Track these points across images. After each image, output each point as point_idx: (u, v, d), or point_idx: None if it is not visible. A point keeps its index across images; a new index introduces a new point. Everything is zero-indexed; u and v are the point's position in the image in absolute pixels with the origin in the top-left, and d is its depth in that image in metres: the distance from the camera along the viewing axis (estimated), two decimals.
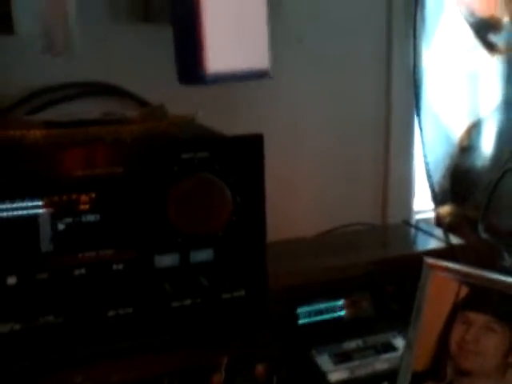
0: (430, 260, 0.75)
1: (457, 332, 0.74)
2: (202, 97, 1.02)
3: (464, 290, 0.74)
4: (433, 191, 1.29)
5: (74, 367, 0.75)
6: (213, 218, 0.72)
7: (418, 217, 1.33)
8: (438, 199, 1.30)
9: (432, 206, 1.31)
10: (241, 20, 0.89)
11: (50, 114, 0.95)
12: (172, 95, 0.93)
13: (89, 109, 0.98)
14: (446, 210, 1.29)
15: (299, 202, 1.22)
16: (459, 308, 0.74)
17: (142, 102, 1.06)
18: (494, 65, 1.21)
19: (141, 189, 0.70)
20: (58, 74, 0.99)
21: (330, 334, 0.91)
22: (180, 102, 0.87)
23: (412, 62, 1.22)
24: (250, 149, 0.73)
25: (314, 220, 1.21)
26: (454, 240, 1.06)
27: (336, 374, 0.82)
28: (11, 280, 0.68)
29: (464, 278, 0.73)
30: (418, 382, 0.75)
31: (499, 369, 0.72)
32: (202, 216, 0.71)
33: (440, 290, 0.75)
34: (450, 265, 0.75)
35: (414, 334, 0.76)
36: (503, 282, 0.72)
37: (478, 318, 0.73)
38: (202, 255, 0.74)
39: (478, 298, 0.73)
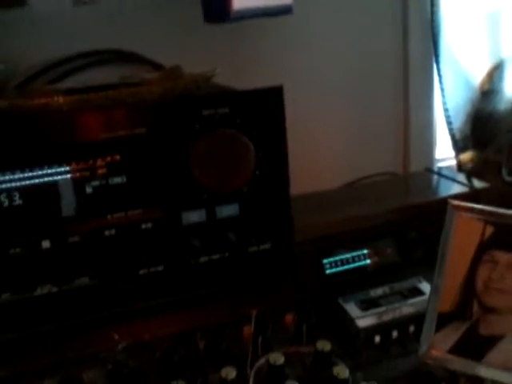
0: (454, 202, 0.75)
1: (483, 271, 0.75)
2: (218, 54, 1.02)
3: (489, 230, 0.74)
4: (453, 138, 1.28)
5: (110, 326, 0.79)
6: (237, 173, 0.73)
7: (439, 165, 1.32)
8: (459, 146, 1.29)
9: (453, 153, 1.30)
10: None
11: (68, 83, 0.96)
12: (187, 57, 0.94)
13: (106, 76, 0.99)
14: (467, 156, 1.29)
15: (321, 154, 1.22)
16: (485, 248, 0.75)
17: (157, 66, 1.07)
18: None
19: (164, 148, 0.72)
20: (72, 44, 1.00)
21: (356, 282, 0.92)
22: (196, 63, 0.87)
23: (429, 7, 1.19)
24: (270, 101, 0.74)
25: (337, 172, 1.21)
26: (478, 184, 1.05)
27: (364, 319, 0.84)
28: (45, 244, 0.70)
29: (489, 218, 0.74)
30: (444, 323, 0.77)
31: None
32: (226, 171, 0.73)
33: (465, 231, 0.75)
34: (475, 205, 0.75)
35: (439, 276, 0.77)
36: None
37: (504, 257, 0.74)
38: (228, 210, 0.76)
39: (504, 236, 0.74)
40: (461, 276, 0.76)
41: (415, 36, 1.23)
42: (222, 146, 0.72)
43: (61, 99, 0.68)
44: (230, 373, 0.73)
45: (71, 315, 0.74)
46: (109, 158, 0.71)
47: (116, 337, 0.79)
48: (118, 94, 0.70)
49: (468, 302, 0.75)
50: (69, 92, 0.75)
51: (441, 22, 1.21)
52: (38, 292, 0.71)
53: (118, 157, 0.71)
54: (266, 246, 0.79)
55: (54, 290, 0.72)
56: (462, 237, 0.76)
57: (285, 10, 0.92)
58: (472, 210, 0.75)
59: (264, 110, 0.74)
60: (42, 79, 0.99)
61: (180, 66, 0.89)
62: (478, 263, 0.75)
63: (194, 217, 0.74)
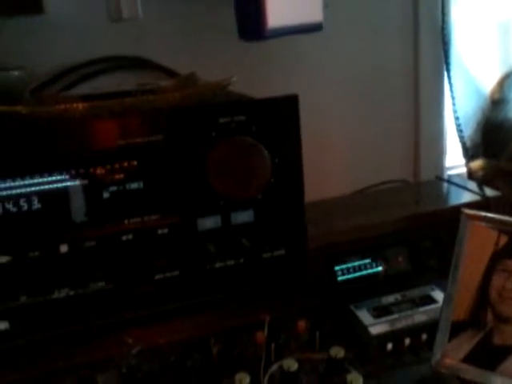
0: (468, 211, 0.76)
1: (497, 280, 0.75)
2: (232, 63, 1.03)
3: (503, 239, 0.75)
4: (464, 146, 1.29)
5: (125, 330, 0.80)
6: (252, 180, 0.74)
7: (450, 173, 1.33)
8: (470, 154, 1.29)
9: (463, 161, 1.30)
10: None
11: (83, 90, 0.96)
12: (204, 65, 0.95)
13: (119, 82, 1.00)
14: (477, 164, 1.29)
15: (332, 162, 1.23)
16: (499, 257, 0.75)
17: (171, 73, 1.08)
18: None
19: (180, 155, 0.72)
20: (86, 50, 1.01)
21: (368, 289, 0.93)
22: (212, 71, 0.88)
23: (440, 15, 1.20)
24: (286, 110, 0.75)
25: (347, 180, 1.22)
26: (489, 192, 1.05)
27: (377, 327, 0.84)
28: (63, 248, 0.71)
29: (503, 227, 0.74)
30: (457, 331, 0.77)
31: None
32: (242, 178, 0.73)
33: (479, 240, 0.76)
34: (489, 214, 0.75)
35: (453, 284, 0.77)
36: None
37: None
38: (243, 217, 0.76)
39: None
40: (474, 285, 0.76)
41: (426, 45, 1.24)
42: (238, 153, 0.73)
43: (80, 106, 0.69)
44: (243, 378, 0.74)
45: (87, 319, 0.75)
46: (126, 164, 0.71)
47: (130, 341, 0.80)
48: (135, 101, 0.71)
49: (482, 311, 0.76)
50: (85, 98, 0.76)
51: (451, 30, 1.22)
52: (55, 295, 0.72)
53: (135, 163, 0.72)
54: (280, 252, 0.79)
55: (71, 293, 0.72)
56: (476, 246, 0.76)
57: (316, 28, 0.96)
58: (486, 219, 0.75)
59: (279, 118, 0.75)
60: (56, 85, 1.00)
61: (195, 73, 0.90)
62: (492, 272, 0.75)
63: (209, 223, 0.75)
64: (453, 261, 0.77)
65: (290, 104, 0.75)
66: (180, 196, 0.74)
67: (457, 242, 0.77)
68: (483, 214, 0.76)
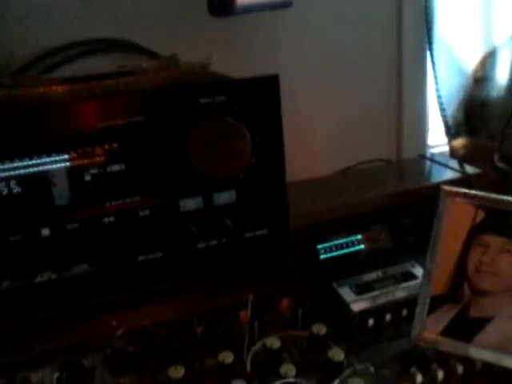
0: (446, 187, 0.77)
1: (474, 255, 0.76)
2: (209, 42, 1.03)
3: (480, 215, 0.76)
4: (446, 125, 1.30)
5: (109, 312, 0.80)
6: (234, 160, 0.74)
7: (432, 151, 1.34)
8: (452, 132, 1.30)
9: (446, 139, 1.31)
10: None
11: (64, 72, 0.96)
12: (183, 46, 0.94)
13: (101, 65, 0.99)
14: (459, 142, 1.30)
15: (314, 142, 1.23)
16: (476, 232, 0.76)
17: (152, 55, 1.07)
18: None
19: (162, 136, 0.73)
20: (67, 32, 1.00)
21: (350, 267, 0.94)
22: (192, 52, 0.88)
23: None
24: (267, 90, 0.75)
25: (330, 159, 1.22)
26: (470, 170, 1.07)
27: (358, 303, 0.85)
28: (45, 232, 0.72)
29: (480, 203, 0.76)
30: (436, 306, 0.78)
31: None
32: (223, 158, 0.74)
33: (457, 216, 0.77)
34: (467, 191, 0.77)
35: (432, 260, 0.78)
36: None
37: (494, 240, 0.75)
38: (225, 197, 0.77)
39: (494, 221, 0.75)
40: (453, 260, 0.78)
41: (409, 24, 1.23)
42: (220, 133, 0.73)
43: (59, 89, 0.68)
44: (227, 357, 0.75)
45: (71, 302, 0.76)
46: (107, 146, 0.72)
47: (114, 323, 0.80)
48: (115, 83, 0.71)
49: (459, 286, 0.77)
50: (66, 81, 0.76)
51: (434, 9, 1.22)
52: (38, 279, 0.72)
53: (116, 145, 0.72)
54: (263, 231, 0.80)
55: (54, 277, 0.73)
56: (454, 222, 0.77)
57: (285, 4, 0.96)
58: (464, 195, 0.77)
59: (260, 98, 0.75)
60: (37, 68, 0.99)
61: (176, 54, 0.89)
62: (470, 247, 0.77)
63: (191, 204, 0.76)
64: (431, 237, 0.79)
65: (270, 84, 0.75)
66: (162, 177, 0.74)
67: (435, 218, 0.78)
68: (461, 190, 0.77)
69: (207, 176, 0.75)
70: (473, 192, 0.77)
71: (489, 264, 0.76)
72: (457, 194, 0.77)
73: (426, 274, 0.79)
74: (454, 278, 0.77)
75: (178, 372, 0.73)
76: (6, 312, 0.72)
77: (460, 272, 0.77)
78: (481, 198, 0.76)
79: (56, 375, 0.73)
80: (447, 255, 0.78)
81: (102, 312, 0.79)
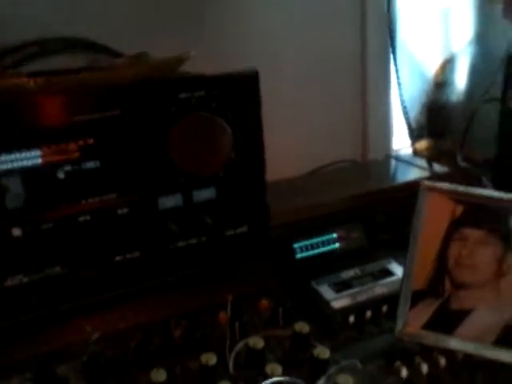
0: (427, 182, 0.78)
1: (454, 248, 0.77)
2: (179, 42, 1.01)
3: (459, 209, 0.77)
4: (410, 127, 1.32)
5: (83, 316, 0.76)
6: (214, 156, 0.73)
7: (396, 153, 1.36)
8: (415, 135, 1.33)
9: (408, 142, 1.34)
10: None
11: (28, 69, 0.92)
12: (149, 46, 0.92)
13: (59, 65, 0.95)
14: (422, 144, 1.33)
15: (279, 144, 1.22)
16: (455, 226, 0.77)
17: (115, 54, 1.04)
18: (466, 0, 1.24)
19: (140, 131, 0.70)
20: (32, 29, 0.95)
21: (326, 265, 0.93)
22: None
23: (386, 2, 1.22)
24: (246, 85, 0.74)
25: (295, 162, 1.21)
26: (438, 169, 1.09)
27: (339, 301, 0.85)
28: (16, 232, 0.67)
29: (459, 197, 0.77)
30: (417, 300, 0.79)
31: (493, 280, 0.77)
32: (203, 154, 0.72)
33: (436, 211, 0.78)
34: (446, 185, 0.78)
35: (412, 255, 0.79)
36: (494, 197, 0.76)
37: (473, 233, 0.77)
38: (205, 194, 0.75)
39: (473, 214, 0.77)
40: (433, 254, 0.78)
41: (372, 30, 1.25)
42: (199, 128, 0.71)
43: (32, 81, 0.65)
44: (210, 358, 0.73)
45: (43, 306, 0.71)
46: (81, 142, 0.68)
47: (88, 328, 0.76)
48: (90, 77, 0.68)
49: (440, 280, 0.78)
50: (33, 75, 0.72)
51: (396, 17, 1.25)
52: (8, 283, 0.68)
53: (91, 140, 0.69)
54: (243, 229, 0.78)
55: (25, 280, 0.68)
56: (434, 216, 0.78)
57: None
58: (443, 190, 0.78)
59: (240, 94, 0.74)
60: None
61: (147, 52, 0.87)
62: (450, 241, 0.78)
63: (170, 201, 0.73)
64: (411, 232, 0.79)
65: (250, 79, 0.74)
66: (139, 174, 0.71)
67: (415, 214, 0.79)
68: (440, 184, 0.78)
69: (187, 172, 0.72)
70: (452, 187, 0.78)
71: (467, 256, 0.77)
72: (436, 189, 0.78)
73: (407, 268, 0.80)
74: (435, 272, 0.78)
75: (160, 375, 0.70)
76: None
77: (440, 266, 0.78)
78: (459, 192, 0.77)
79: None
80: (427, 250, 0.79)
81: (75, 316, 0.75)
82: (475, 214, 0.77)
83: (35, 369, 0.71)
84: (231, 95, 0.74)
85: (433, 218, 0.78)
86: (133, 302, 0.79)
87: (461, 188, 0.77)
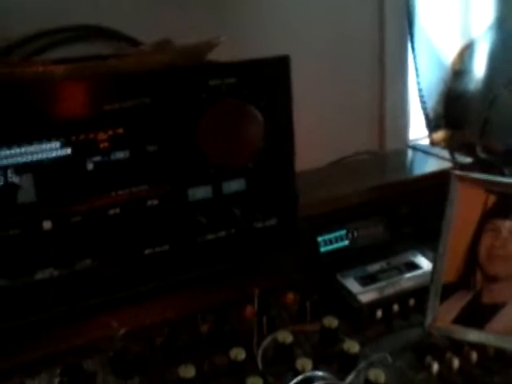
0: (457, 172, 0.76)
1: (486, 240, 0.76)
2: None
3: (491, 199, 0.75)
4: (427, 117, 1.30)
5: (110, 312, 0.75)
6: (245, 146, 0.71)
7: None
8: (432, 125, 1.31)
9: (426, 132, 1.32)
10: None
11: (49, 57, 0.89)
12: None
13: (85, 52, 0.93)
14: (440, 135, 1.31)
15: (298, 136, 1.21)
16: (487, 217, 0.76)
17: (138, 44, 1.02)
18: None
19: (169, 120, 0.68)
20: (50, 18, 0.93)
21: (351, 259, 0.92)
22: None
23: None
24: (278, 71, 0.72)
25: (315, 153, 1.20)
26: (460, 159, 1.08)
27: (366, 295, 0.84)
28: (46, 225, 0.66)
29: (491, 187, 0.75)
30: (448, 293, 0.78)
31: None
32: (235, 144, 0.70)
33: (468, 201, 0.76)
34: (477, 175, 0.76)
35: (443, 247, 0.77)
36: None
37: (506, 224, 0.75)
38: (235, 185, 0.73)
39: (506, 205, 0.75)
40: (464, 246, 0.77)
41: (391, 16, 1.24)
42: (230, 116, 0.69)
43: (60, 68, 0.63)
44: (239, 354, 0.72)
45: (72, 301, 0.70)
46: (111, 132, 0.66)
47: (115, 324, 0.75)
48: (120, 64, 0.66)
49: (471, 272, 0.76)
50: (59, 63, 0.70)
51: (415, 2, 1.22)
52: (39, 276, 0.66)
53: (120, 130, 0.67)
54: (272, 221, 0.77)
55: (56, 273, 0.67)
56: (465, 207, 0.77)
57: None
58: (475, 180, 0.76)
59: (272, 80, 0.72)
60: (17, 53, 0.92)
61: (170, 39, 0.85)
62: (481, 232, 0.76)
63: (200, 193, 0.72)
64: (443, 224, 0.78)
65: (281, 65, 0.72)
66: (170, 165, 0.70)
67: (447, 205, 0.77)
68: (472, 174, 0.77)
69: (217, 162, 0.71)
70: (484, 176, 0.76)
71: (500, 248, 0.75)
72: (468, 178, 0.76)
73: (438, 260, 0.78)
74: (466, 264, 0.77)
75: (189, 371, 0.68)
76: (2, 313, 0.66)
77: (472, 258, 0.77)
78: (492, 182, 0.76)
79: (56, 380, 0.67)
80: (458, 242, 0.77)
81: (102, 312, 0.73)
82: (508, 204, 0.75)
83: (63, 364, 0.70)
84: (263, 81, 0.71)
85: (464, 209, 0.77)
86: (159, 297, 0.77)
87: (493, 177, 0.75)
